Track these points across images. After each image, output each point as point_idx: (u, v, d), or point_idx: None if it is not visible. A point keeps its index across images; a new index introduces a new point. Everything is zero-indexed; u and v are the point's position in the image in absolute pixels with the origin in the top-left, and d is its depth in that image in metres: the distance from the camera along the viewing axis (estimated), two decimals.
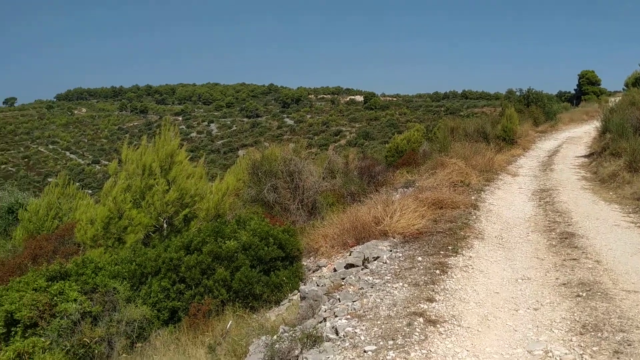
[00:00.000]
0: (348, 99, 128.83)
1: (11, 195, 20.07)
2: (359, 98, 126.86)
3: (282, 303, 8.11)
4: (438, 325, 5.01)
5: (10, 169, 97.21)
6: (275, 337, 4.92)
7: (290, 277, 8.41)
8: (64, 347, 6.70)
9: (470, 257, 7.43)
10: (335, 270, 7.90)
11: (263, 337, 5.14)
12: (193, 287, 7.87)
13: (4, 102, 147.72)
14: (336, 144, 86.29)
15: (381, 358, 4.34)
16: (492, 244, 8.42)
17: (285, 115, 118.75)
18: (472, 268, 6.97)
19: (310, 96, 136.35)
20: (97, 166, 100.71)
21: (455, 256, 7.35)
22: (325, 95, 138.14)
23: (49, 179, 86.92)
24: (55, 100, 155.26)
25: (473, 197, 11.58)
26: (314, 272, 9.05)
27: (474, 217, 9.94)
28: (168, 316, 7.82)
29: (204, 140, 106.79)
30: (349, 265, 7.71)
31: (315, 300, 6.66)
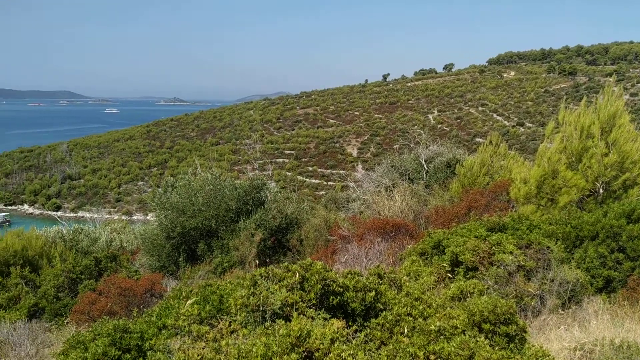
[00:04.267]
0: None
1: (450, 152, 22.54)
2: None
3: None
4: None
5: (444, 128, 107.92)
6: None
7: None
8: (499, 294, 7.24)
9: None
10: None
11: None
12: (634, 259, 7.29)
13: (443, 68, 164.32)
14: None
15: None
16: None
17: None
18: None
19: None
20: (521, 128, 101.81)
21: None
22: None
23: (477, 139, 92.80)
24: (486, 64, 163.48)
25: None
26: None
27: None
28: (602, 284, 7.51)
29: (638, 104, 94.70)
30: None
31: None
